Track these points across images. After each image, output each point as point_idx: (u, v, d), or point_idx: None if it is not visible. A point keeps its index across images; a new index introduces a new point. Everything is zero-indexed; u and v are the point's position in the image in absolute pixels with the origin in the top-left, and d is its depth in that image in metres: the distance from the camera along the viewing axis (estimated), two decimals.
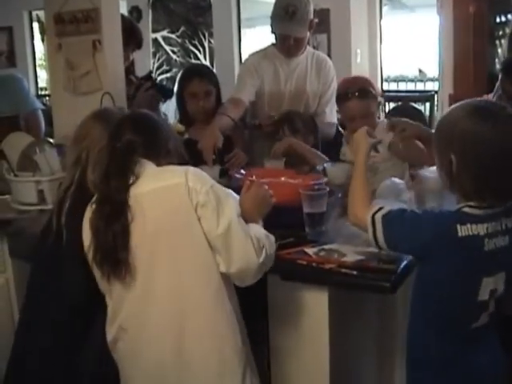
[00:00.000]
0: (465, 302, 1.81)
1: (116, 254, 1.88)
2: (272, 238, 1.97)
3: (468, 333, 1.86)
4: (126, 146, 1.95)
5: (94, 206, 1.95)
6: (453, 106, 1.86)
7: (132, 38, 3.76)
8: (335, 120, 3.71)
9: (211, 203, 1.84)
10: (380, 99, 3.13)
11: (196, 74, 3.46)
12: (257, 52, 3.78)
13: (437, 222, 1.81)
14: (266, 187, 2.13)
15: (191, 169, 1.91)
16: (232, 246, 1.85)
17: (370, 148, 2.15)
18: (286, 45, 3.57)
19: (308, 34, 3.60)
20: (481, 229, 1.76)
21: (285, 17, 3.46)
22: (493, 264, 1.79)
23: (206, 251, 1.86)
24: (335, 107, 3.52)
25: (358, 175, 2.05)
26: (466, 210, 1.78)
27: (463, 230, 1.75)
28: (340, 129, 3.66)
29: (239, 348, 1.92)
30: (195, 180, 1.86)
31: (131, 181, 1.89)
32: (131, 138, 1.96)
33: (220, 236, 1.84)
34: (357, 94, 3.00)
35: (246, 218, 1.96)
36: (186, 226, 1.86)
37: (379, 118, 3.21)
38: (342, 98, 3.09)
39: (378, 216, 1.86)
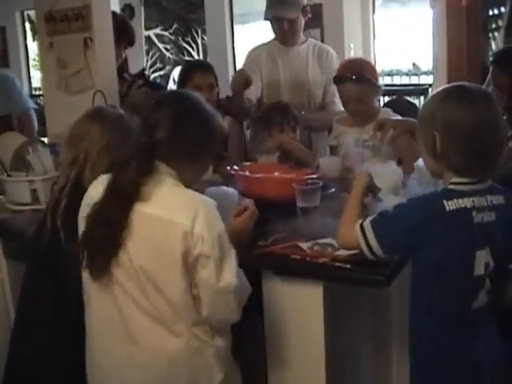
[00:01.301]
0: (462, 278, 1.84)
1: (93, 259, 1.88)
2: (249, 289, 1.93)
3: (468, 316, 1.88)
4: (148, 147, 1.86)
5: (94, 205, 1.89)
6: (432, 93, 1.91)
7: (124, 34, 3.74)
8: None
9: (214, 255, 1.78)
10: (380, 84, 3.15)
11: (199, 67, 3.46)
12: (258, 45, 3.88)
13: (423, 203, 1.87)
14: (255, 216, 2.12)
15: (203, 210, 1.80)
16: (218, 307, 1.84)
17: (367, 187, 2.13)
18: (282, 29, 3.65)
19: (302, 19, 3.68)
20: (467, 202, 1.82)
21: (277, 1, 3.59)
22: (482, 237, 1.83)
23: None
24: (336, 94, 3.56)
25: (350, 210, 2.04)
26: (451, 187, 1.85)
27: (450, 205, 1.80)
28: None
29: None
30: (203, 226, 1.77)
31: (140, 197, 1.82)
32: (157, 137, 1.87)
33: (218, 290, 1.81)
34: (352, 77, 3.03)
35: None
36: (170, 265, 1.80)
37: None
38: (337, 80, 3.15)
39: (367, 222, 1.89)
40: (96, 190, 1.91)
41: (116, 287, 1.86)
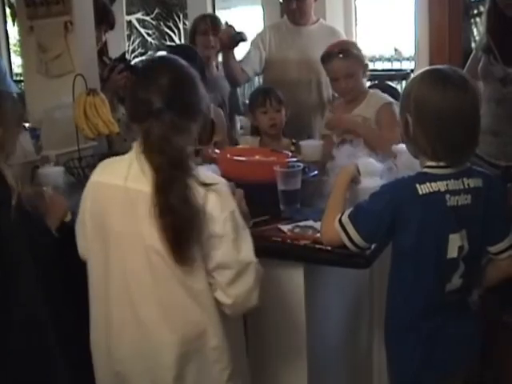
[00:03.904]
0: (435, 260, 1.85)
1: None
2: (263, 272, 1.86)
3: (443, 298, 1.89)
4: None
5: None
6: (413, 74, 1.93)
7: (104, 18, 3.72)
8: None
9: (228, 236, 1.73)
10: (366, 62, 3.20)
11: None
12: (271, 24, 4.12)
13: (396, 188, 1.89)
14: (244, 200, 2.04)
15: (214, 189, 1.75)
16: (237, 284, 1.77)
17: (353, 176, 2.15)
18: (291, 9, 3.78)
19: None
20: (440, 185, 1.82)
21: None
22: (456, 220, 1.84)
23: None
24: None
25: (336, 197, 2.05)
26: (425, 170, 1.86)
27: (423, 189, 1.82)
28: None
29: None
30: (214, 205, 1.73)
31: None
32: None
33: (237, 265, 1.75)
34: (339, 54, 3.09)
35: None
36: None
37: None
38: (325, 58, 3.18)
39: (345, 218, 1.91)
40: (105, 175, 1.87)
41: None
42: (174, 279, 1.76)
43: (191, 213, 1.69)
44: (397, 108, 3.03)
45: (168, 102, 1.76)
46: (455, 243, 1.84)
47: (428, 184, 1.82)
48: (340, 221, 1.91)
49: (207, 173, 1.86)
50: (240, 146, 3.19)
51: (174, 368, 1.79)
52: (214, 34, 4.05)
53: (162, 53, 1.84)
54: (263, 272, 1.86)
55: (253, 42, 3.90)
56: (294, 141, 3.16)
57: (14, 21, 9.51)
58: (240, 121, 4.23)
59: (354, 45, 3.23)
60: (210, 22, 4.13)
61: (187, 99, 1.83)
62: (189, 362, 1.80)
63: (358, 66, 3.11)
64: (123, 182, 1.77)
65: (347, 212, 1.92)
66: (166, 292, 1.78)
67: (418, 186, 1.82)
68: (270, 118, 3.19)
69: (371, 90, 3.25)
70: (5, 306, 1.98)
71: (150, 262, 1.76)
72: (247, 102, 3.62)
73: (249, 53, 3.89)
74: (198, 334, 1.79)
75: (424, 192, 1.81)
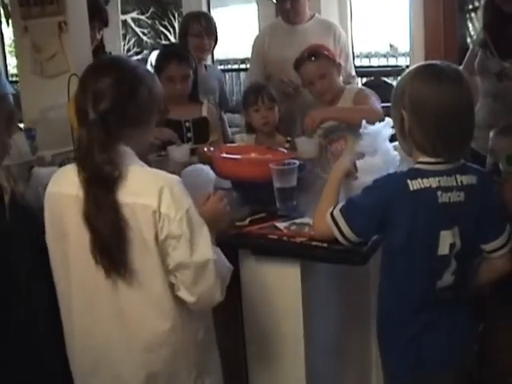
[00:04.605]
0: (426, 257, 1.85)
1: None
2: (231, 267, 1.86)
3: (433, 295, 1.89)
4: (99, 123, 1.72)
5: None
6: (406, 70, 1.93)
7: (97, 16, 3.71)
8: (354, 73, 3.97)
9: (185, 236, 1.70)
10: (338, 61, 3.21)
11: (175, 57, 3.31)
12: (263, 29, 4.09)
13: (387, 183, 1.88)
14: (225, 201, 1.99)
15: (168, 188, 1.71)
16: (199, 283, 1.73)
17: (349, 170, 2.13)
18: (285, 9, 3.76)
19: None
20: (432, 182, 1.82)
21: None
22: (448, 217, 1.83)
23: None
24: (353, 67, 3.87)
25: (329, 190, 2.05)
26: (417, 166, 1.86)
27: (414, 184, 1.81)
28: None
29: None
30: (169, 204, 1.69)
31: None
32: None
33: (195, 266, 1.72)
34: (309, 57, 3.11)
35: None
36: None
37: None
38: (296, 65, 3.19)
39: (336, 211, 1.91)
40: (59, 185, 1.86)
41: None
42: (130, 286, 1.75)
43: (114, 230, 1.69)
44: (368, 92, 3.08)
45: (104, 113, 1.73)
46: (446, 240, 1.84)
47: (419, 180, 1.82)
48: (332, 214, 1.91)
49: (158, 172, 1.81)
50: (235, 144, 3.19)
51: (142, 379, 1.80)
52: (207, 35, 3.99)
53: (111, 56, 1.77)
54: (231, 268, 1.85)
55: (254, 50, 3.92)
56: (288, 138, 3.15)
57: (8, 21, 9.48)
58: (235, 119, 4.22)
59: (323, 46, 3.24)
60: (205, 23, 4.01)
61: (129, 109, 1.78)
62: (155, 371, 1.80)
63: (330, 66, 3.13)
64: (76, 190, 1.75)
65: (339, 206, 1.92)
66: (124, 300, 1.77)
67: (409, 181, 1.82)
68: (262, 117, 3.17)
69: (347, 86, 3.26)
70: (5, 306, 1.98)
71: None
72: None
73: (253, 62, 3.95)
74: (159, 343, 1.79)
75: (415, 188, 1.81)
